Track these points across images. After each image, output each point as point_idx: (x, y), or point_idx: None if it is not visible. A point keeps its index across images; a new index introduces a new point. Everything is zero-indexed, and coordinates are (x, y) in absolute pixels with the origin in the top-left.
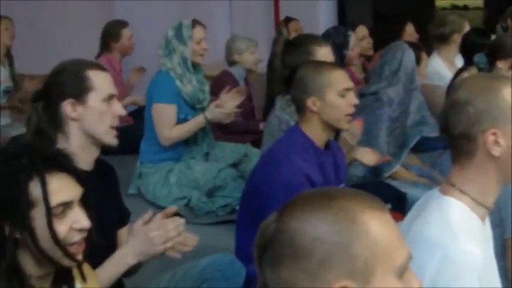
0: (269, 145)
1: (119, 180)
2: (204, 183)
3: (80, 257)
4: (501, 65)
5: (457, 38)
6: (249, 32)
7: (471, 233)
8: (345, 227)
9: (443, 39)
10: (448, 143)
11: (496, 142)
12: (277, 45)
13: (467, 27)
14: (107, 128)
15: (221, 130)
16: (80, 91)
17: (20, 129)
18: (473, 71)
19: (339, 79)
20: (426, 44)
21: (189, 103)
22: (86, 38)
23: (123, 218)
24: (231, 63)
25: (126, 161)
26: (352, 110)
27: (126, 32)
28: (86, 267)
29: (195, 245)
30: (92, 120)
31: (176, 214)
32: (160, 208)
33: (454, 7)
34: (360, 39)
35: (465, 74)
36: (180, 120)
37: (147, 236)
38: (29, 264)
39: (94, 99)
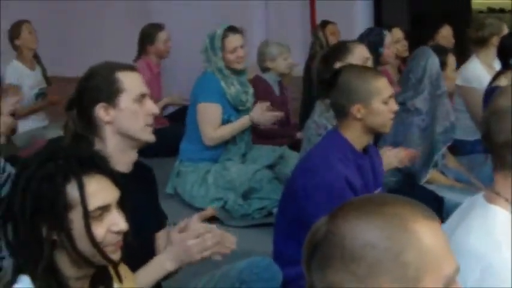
0: (307, 149)
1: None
2: (240, 185)
3: (116, 257)
4: None
5: (496, 41)
6: (284, 36)
7: None
8: (396, 234)
9: (482, 43)
10: (490, 150)
11: None
12: (314, 49)
13: (505, 30)
14: (142, 127)
15: (257, 137)
16: (110, 94)
17: (56, 132)
18: (510, 74)
19: (384, 87)
20: (462, 47)
21: (232, 104)
22: (124, 41)
23: (160, 220)
24: (264, 69)
25: (163, 163)
26: (393, 116)
27: (162, 36)
28: (124, 269)
29: (234, 248)
30: (125, 121)
31: (212, 217)
32: (196, 209)
33: (490, 10)
34: (395, 41)
35: (502, 78)
36: (224, 121)
37: (184, 244)
38: (66, 265)
39: (125, 100)
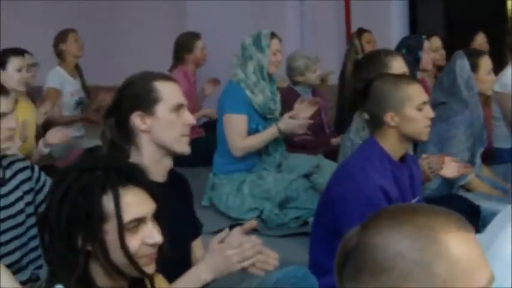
0: None
1: (192, 192)
2: (276, 194)
3: (150, 270)
4: None
5: None
6: (319, 44)
7: None
8: (426, 245)
9: None
10: None
11: None
12: (350, 57)
13: None
14: (178, 137)
15: (292, 146)
16: (147, 103)
17: (93, 141)
18: None
19: (417, 93)
20: (499, 54)
21: (260, 113)
22: (159, 49)
23: (196, 229)
24: (294, 82)
25: (198, 173)
26: (429, 122)
27: (198, 44)
28: (159, 280)
29: (276, 264)
30: (161, 130)
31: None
32: (232, 219)
33: None
34: (433, 50)
35: None
36: (252, 130)
37: (223, 254)
38: (100, 276)
39: (162, 109)
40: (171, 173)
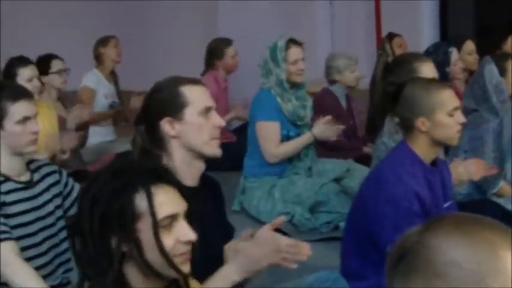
0: None
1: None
2: (307, 199)
3: (185, 269)
4: None
5: None
6: (350, 48)
7: None
8: (485, 259)
9: None
10: None
11: None
12: (380, 61)
13: None
14: (207, 140)
15: (324, 150)
16: (175, 108)
17: (124, 146)
18: None
19: (448, 99)
20: None
21: (290, 120)
22: (191, 55)
23: (227, 233)
24: (331, 82)
25: (229, 177)
26: (460, 127)
27: (230, 50)
28: (193, 283)
29: (309, 254)
30: (191, 135)
31: (278, 230)
32: (263, 223)
33: None
34: (468, 53)
35: None
36: (283, 136)
37: (247, 253)
38: (135, 278)
39: (190, 114)
40: (203, 177)
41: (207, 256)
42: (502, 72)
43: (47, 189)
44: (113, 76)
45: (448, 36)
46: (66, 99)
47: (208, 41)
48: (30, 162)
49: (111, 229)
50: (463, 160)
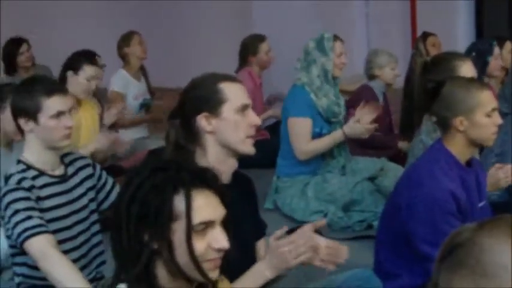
0: None
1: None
2: (341, 197)
3: (213, 275)
4: None
5: None
6: (385, 47)
7: None
8: None
9: None
10: None
11: None
12: (415, 61)
13: None
14: (243, 138)
15: (359, 145)
16: (213, 104)
17: (157, 143)
18: None
19: (488, 99)
20: None
21: (324, 117)
22: (225, 51)
23: (260, 229)
24: (371, 77)
25: (263, 175)
26: (496, 129)
27: (264, 47)
28: (223, 283)
29: (346, 257)
30: (226, 131)
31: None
32: (296, 222)
33: None
34: (508, 51)
35: None
36: (315, 134)
37: (279, 251)
38: (164, 277)
39: (227, 110)
40: (236, 174)
41: (239, 253)
42: None
43: (81, 182)
44: (142, 72)
45: (484, 35)
46: (101, 96)
47: (242, 38)
48: (64, 155)
49: (146, 225)
50: (502, 166)
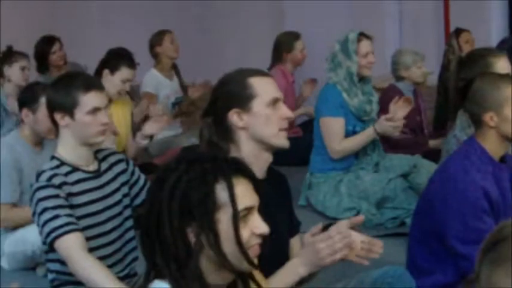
0: None
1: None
2: (373, 194)
3: (256, 262)
4: None
5: None
6: (418, 44)
7: None
8: None
9: None
10: None
11: None
12: (448, 57)
13: None
14: (276, 132)
15: (390, 146)
16: (243, 100)
17: (189, 140)
18: None
19: None
20: None
21: (356, 115)
22: (257, 48)
23: (294, 226)
24: (398, 78)
25: (295, 172)
26: None
27: (298, 44)
28: (259, 277)
29: (380, 251)
30: (259, 126)
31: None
32: (329, 219)
33: None
34: None
35: None
36: (348, 132)
37: (314, 247)
38: (208, 271)
39: (258, 105)
40: (270, 170)
41: (273, 248)
42: None
43: (115, 178)
44: (174, 70)
45: None
46: (134, 94)
47: (275, 35)
48: (97, 151)
49: (190, 219)
50: None
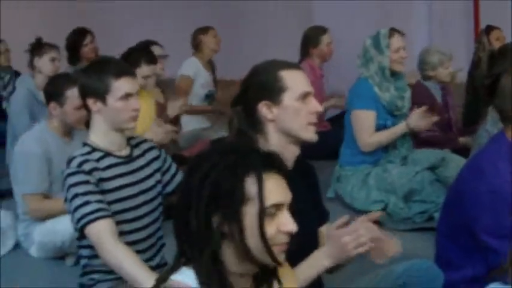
0: None
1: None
2: (400, 186)
3: (281, 258)
4: None
5: None
6: (448, 41)
7: None
8: None
9: None
10: None
11: None
12: (478, 55)
13: None
14: (304, 125)
15: (418, 143)
16: (273, 92)
17: (218, 133)
18: None
19: None
20: None
21: (387, 110)
22: (286, 43)
23: (322, 216)
24: (425, 77)
25: (323, 166)
26: None
27: (325, 38)
28: (287, 269)
29: (399, 251)
30: (288, 119)
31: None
32: (357, 211)
33: None
34: None
35: None
36: (380, 126)
37: (339, 240)
38: (230, 260)
39: (288, 98)
40: (298, 161)
41: (300, 239)
42: None
43: (148, 164)
44: (210, 65)
45: None
46: (165, 86)
47: (303, 30)
48: (129, 139)
49: (217, 208)
50: None
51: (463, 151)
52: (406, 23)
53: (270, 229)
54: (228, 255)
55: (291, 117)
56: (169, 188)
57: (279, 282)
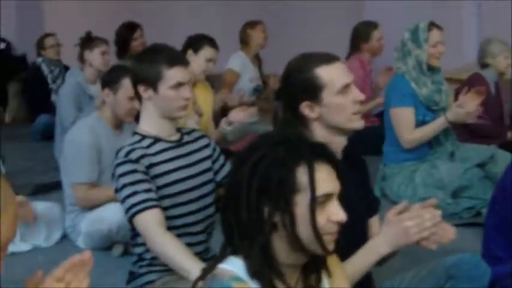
0: None
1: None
2: (449, 183)
3: (331, 247)
4: None
5: None
6: (498, 36)
7: None
8: None
9: None
10: None
11: None
12: None
13: None
14: (349, 116)
15: (467, 132)
16: (312, 92)
17: (265, 127)
18: None
19: None
20: None
21: (425, 105)
22: (335, 38)
23: (373, 206)
24: (483, 65)
25: (370, 161)
26: None
27: (376, 34)
28: (335, 261)
29: (453, 238)
30: (331, 115)
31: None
32: None
33: None
34: None
35: None
36: (419, 122)
37: (401, 225)
38: (281, 251)
39: (328, 95)
40: (347, 152)
41: (349, 229)
42: None
43: (200, 149)
44: (257, 60)
45: None
46: (213, 81)
47: (352, 25)
48: (179, 129)
49: (267, 198)
50: None
51: (509, 146)
52: (455, 19)
53: (321, 219)
54: (278, 245)
55: (334, 113)
56: (217, 178)
57: (328, 272)
